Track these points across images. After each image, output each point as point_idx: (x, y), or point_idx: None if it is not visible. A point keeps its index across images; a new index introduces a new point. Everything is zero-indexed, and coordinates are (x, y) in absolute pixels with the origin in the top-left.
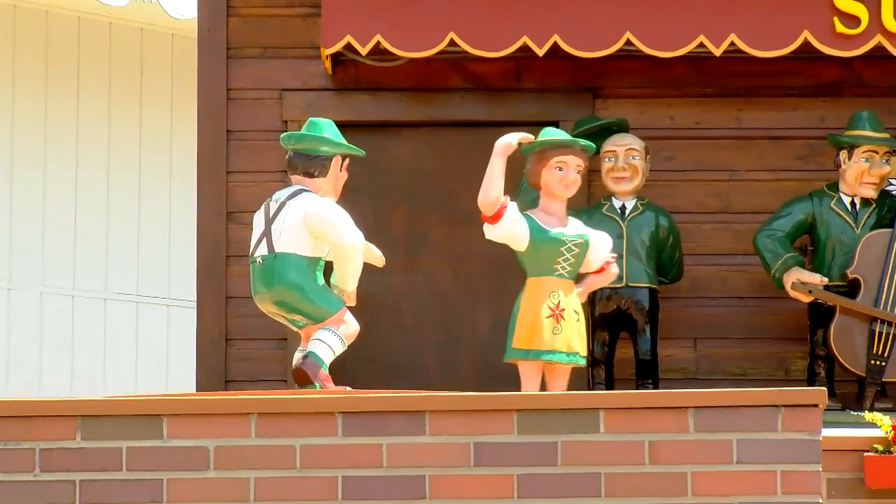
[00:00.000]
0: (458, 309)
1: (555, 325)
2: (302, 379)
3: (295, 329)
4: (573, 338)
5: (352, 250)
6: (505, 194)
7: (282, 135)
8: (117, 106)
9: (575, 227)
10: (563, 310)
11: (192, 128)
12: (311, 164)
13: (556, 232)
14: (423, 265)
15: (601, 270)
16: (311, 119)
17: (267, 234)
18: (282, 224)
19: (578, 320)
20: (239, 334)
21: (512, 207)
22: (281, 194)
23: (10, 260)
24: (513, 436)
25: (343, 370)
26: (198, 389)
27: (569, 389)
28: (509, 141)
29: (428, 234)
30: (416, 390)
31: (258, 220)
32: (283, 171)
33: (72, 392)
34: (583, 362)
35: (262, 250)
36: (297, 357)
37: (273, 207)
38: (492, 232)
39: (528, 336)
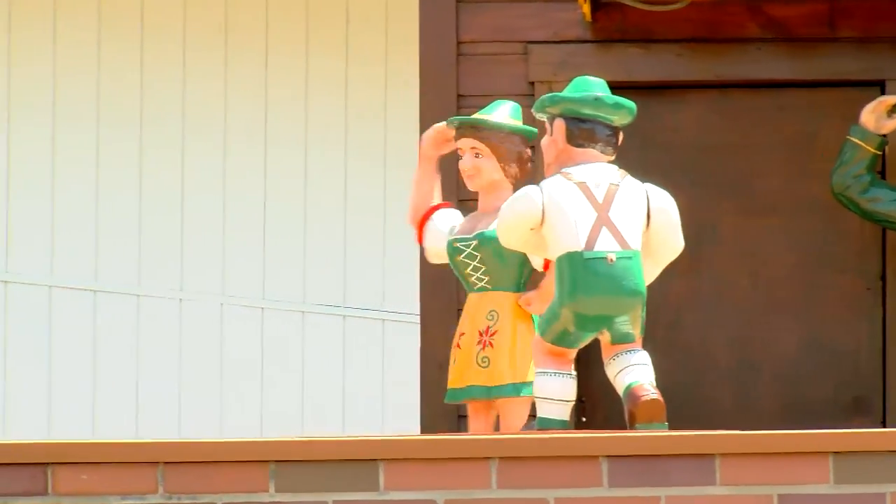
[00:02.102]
0: (757, 323)
1: (454, 356)
2: (655, 414)
3: (576, 348)
4: (468, 367)
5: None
6: (443, 202)
7: (603, 95)
8: (315, 66)
9: (482, 224)
10: (463, 334)
11: (412, 93)
12: (611, 139)
13: (452, 237)
14: (711, 267)
15: (547, 266)
16: (586, 79)
17: (606, 222)
18: (623, 213)
19: (482, 342)
20: None
21: (438, 217)
22: (597, 173)
23: (183, 267)
24: (828, 485)
25: (604, 400)
26: (422, 428)
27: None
28: (430, 134)
29: (717, 227)
30: (703, 428)
31: (573, 203)
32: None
33: (260, 431)
34: (486, 394)
35: (610, 244)
36: (639, 386)
37: (598, 190)
38: (426, 253)
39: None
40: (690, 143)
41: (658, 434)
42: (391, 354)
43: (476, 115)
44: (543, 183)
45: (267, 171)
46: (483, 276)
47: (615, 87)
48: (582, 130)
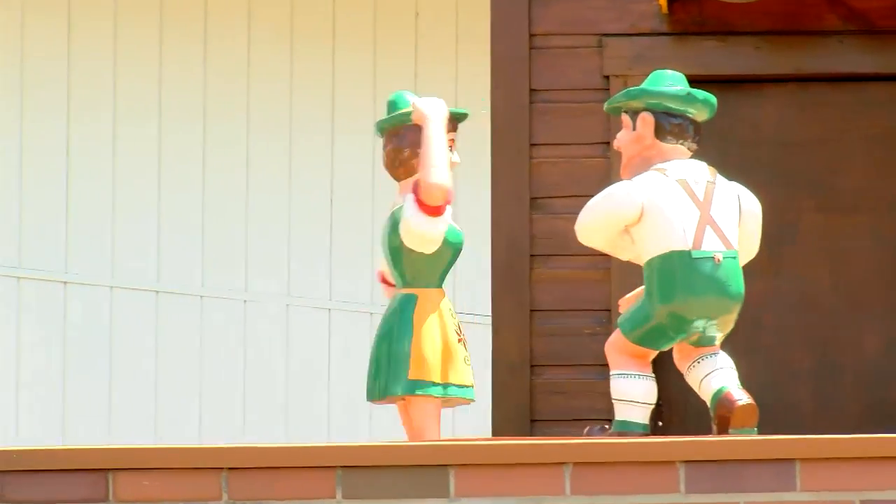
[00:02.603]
0: (838, 324)
1: (465, 353)
2: (749, 419)
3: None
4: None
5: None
6: None
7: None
8: (384, 59)
9: None
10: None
11: (483, 87)
12: (696, 135)
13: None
14: (792, 266)
15: None
16: (665, 72)
17: (709, 221)
18: (723, 212)
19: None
20: (548, 359)
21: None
22: (694, 171)
23: (247, 268)
24: None
25: (680, 404)
26: (494, 432)
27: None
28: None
29: (798, 225)
30: (782, 432)
31: (675, 200)
32: (605, 142)
33: (327, 434)
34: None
35: (715, 244)
36: (731, 391)
37: (698, 187)
38: (435, 227)
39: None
40: (769, 138)
41: (736, 439)
42: None
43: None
44: (639, 180)
45: (334, 172)
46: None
47: (692, 81)
48: (673, 126)
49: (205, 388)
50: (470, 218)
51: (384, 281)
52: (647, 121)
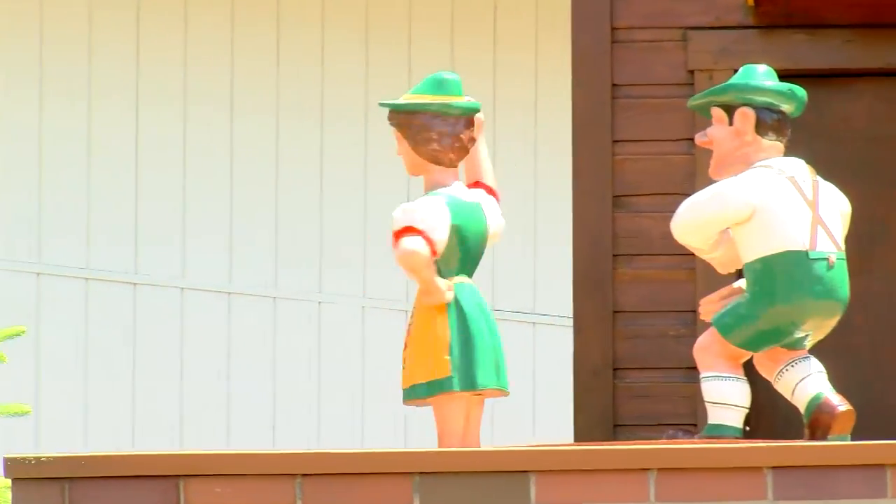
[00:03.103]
0: None
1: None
2: (847, 425)
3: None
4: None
5: None
6: None
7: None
8: (461, 52)
9: None
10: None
11: (564, 82)
12: (790, 132)
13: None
14: (883, 266)
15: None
16: (755, 67)
17: (819, 221)
18: (830, 211)
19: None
20: (631, 362)
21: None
22: (800, 169)
23: (321, 268)
24: None
25: (768, 408)
26: (576, 437)
27: None
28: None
29: (889, 223)
30: (873, 437)
31: (788, 199)
32: (689, 139)
33: (404, 441)
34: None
35: (827, 245)
36: (829, 396)
37: (805, 186)
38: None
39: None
40: (860, 134)
41: (825, 444)
42: (542, 359)
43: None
44: (748, 177)
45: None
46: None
47: (779, 76)
48: (774, 121)
49: (278, 391)
50: (551, 217)
51: None
52: (747, 116)
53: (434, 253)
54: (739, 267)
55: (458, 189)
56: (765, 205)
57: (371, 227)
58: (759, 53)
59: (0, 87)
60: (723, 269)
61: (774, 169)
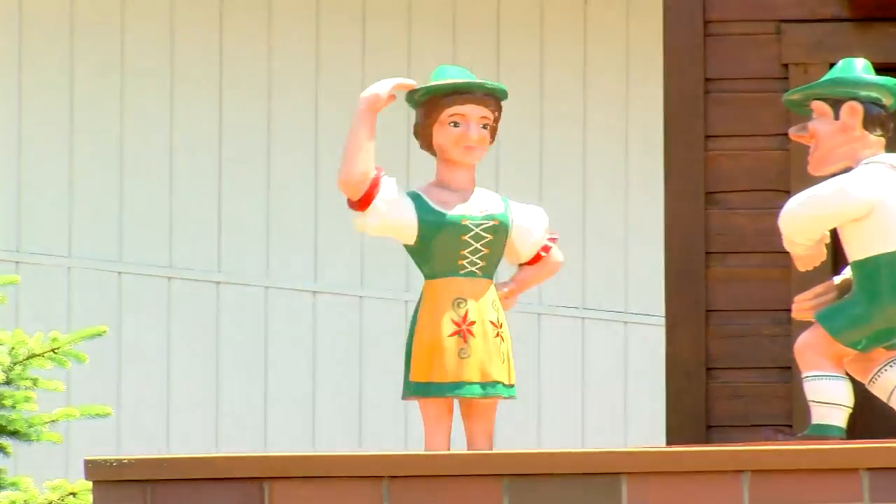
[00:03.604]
0: None
1: (461, 346)
2: None
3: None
4: (491, 361)
5: None
6: (378, 166)
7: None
8: (550, 45)
9: (486, 204)
10: (473, 323)
11: (656, 77)
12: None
13: (456, 214)
14: None
15: (537, 260)
16: (854, 61)
17: None
18: None
19: (499, 335)
20: (725, 362)
21: (387, 185)
22: None
23: (408, 267)
24: None
25: (865, 409)
26: (668, 438)
27: None
28: (376, 91)
29: None
30: None
31: None
32: (783, 134)
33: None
34: (510, 393)
35: None
36: None
37: None
38: (364, 223)
39: (426, 364)
40: None
41: None
42: (634, 359)
43: (486, 83)
44: (865, 174)
45: (499, 161)
46: (478, 262)
47: (875, 70)
48: (881, 117)
49: (364, 393)
50: (642, 214)
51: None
52: (856, 110)
53: None
54: (817, 264)
55: None
56: (883, 202)
57: None
58: (855, 47)
59: (82, 89)
60: (805, 266)
61: (886, 164)
